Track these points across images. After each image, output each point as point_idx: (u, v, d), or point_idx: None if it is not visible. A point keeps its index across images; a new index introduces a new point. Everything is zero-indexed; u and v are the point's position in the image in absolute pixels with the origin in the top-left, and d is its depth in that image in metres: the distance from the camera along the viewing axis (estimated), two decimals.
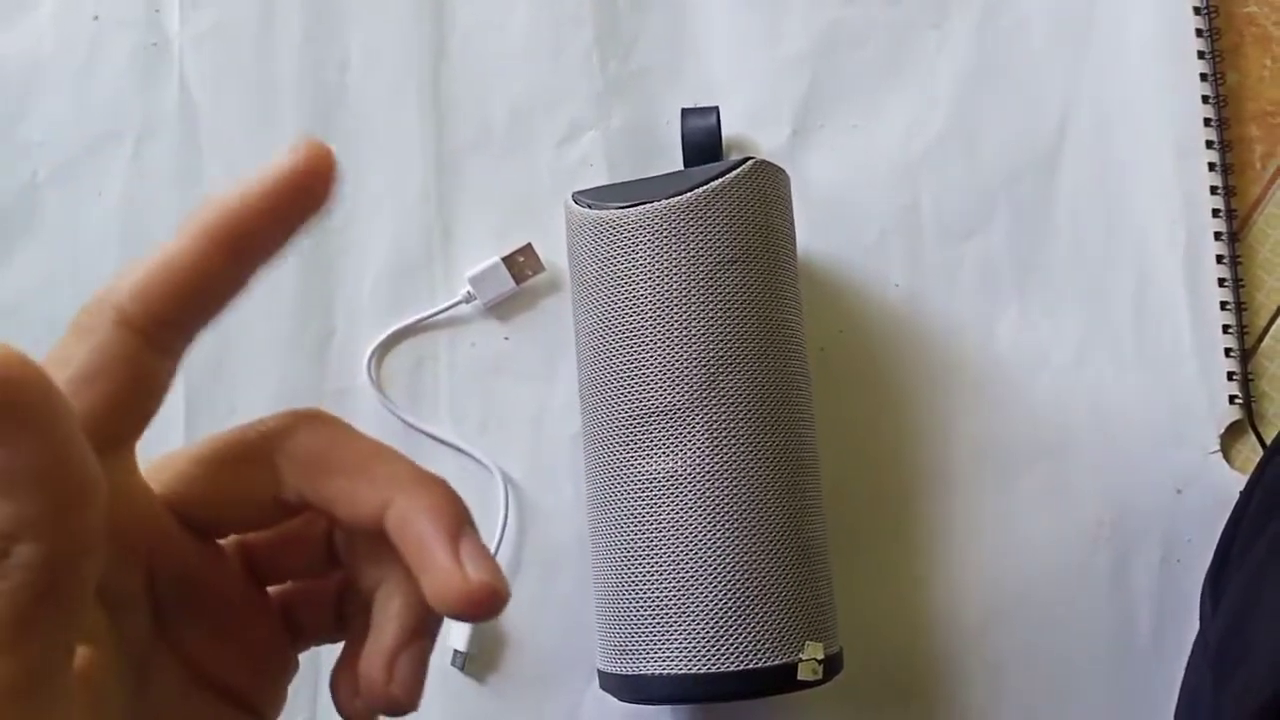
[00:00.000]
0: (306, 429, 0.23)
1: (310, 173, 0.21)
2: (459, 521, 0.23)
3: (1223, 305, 0.50)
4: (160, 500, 0.23)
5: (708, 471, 0.41)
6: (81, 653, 0.21)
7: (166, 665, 0.24)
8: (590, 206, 0.44)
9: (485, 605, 0.21)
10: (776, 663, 0.40)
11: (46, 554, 0.18)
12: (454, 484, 0.54)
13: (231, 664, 0.25)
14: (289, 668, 0.26)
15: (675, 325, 0.41)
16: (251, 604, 0.26)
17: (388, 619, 0.24)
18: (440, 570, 0.22)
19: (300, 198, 0.21)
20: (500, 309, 0.50)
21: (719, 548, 0.40)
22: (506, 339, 0.50)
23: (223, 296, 0.22)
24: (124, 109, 0.52)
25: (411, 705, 0.24)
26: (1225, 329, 0.50)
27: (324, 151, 0.21)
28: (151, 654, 0.24)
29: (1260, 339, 0.50)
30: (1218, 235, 0.50)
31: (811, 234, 0.49)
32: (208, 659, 0.25)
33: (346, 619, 0.26)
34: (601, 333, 0.43)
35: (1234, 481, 0.48)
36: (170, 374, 0.22)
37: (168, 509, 0.23)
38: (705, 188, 0.42)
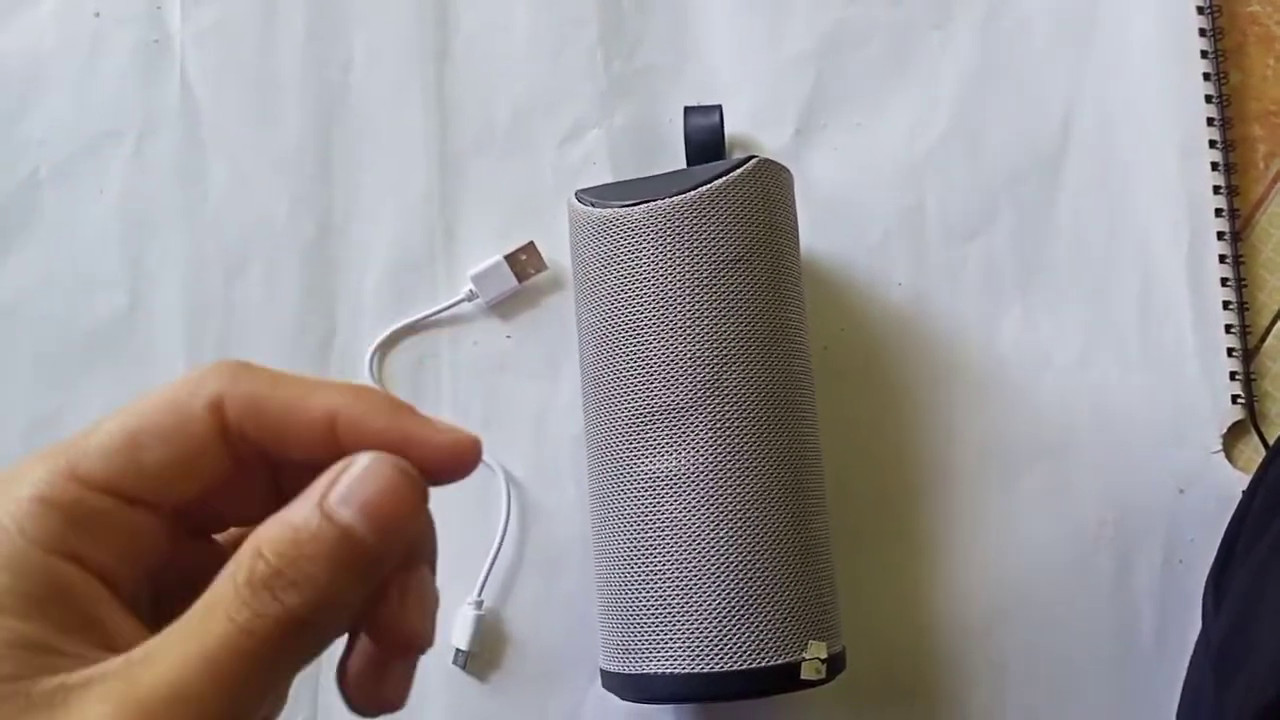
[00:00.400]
0: (242, 374, 0.23)
1: (450, 474, 0.23)
2: (406, 407, 0.23)
3: (1225, 305, 0.50)
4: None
5: (711, 470, 0.41)
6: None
7: None
8: (593, 205, 0.44)
9: (471, 457, 0.23)
10: (779, 662, 0.40)
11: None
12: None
13: None
14: None
15: (678, 323, 0.41)
16: None
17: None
18: (424, 433, 0.22)
19: (433, 472, 0.23)
20: (503, 307, 0.50)
21: (722, 546, 0.40)
22: (509, 337, 0.50)
23: (305, 454, 0.22)
24: (125, 106, 0.52)
25: (400, 706, 0.24)
26: (1228, 329, 0.50)
27: (479, 456, 0.23)
28: None
29: (1263, 339, 0.50)
30: (1220, 235, 0.50)
31: (815, 233, 0.49)
32: None
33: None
34: (604, 331, 0.43)
35: (1236, 481, 0.48)
36: (223, 471, 0.23)
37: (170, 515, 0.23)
38: (709, 186, 0.42)
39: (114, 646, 0.20)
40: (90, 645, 0.20)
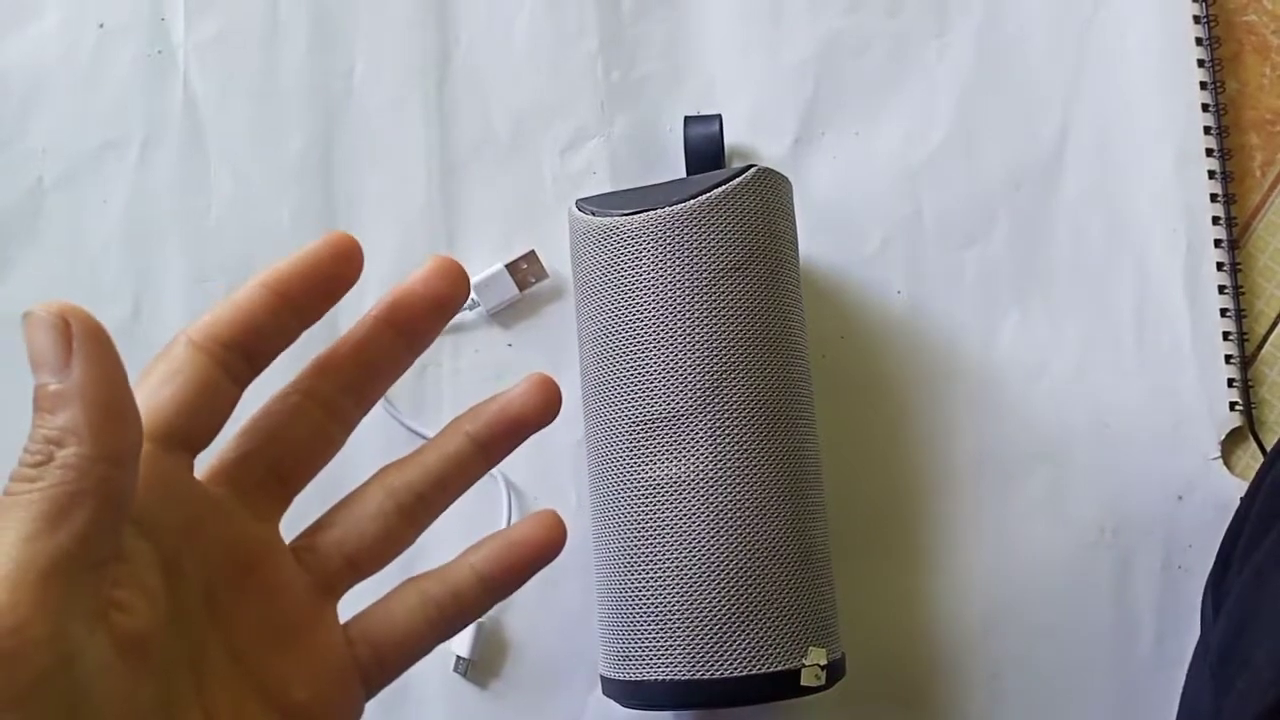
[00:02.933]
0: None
1: (343, 255, 0.28)
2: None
3: (1223, 312, 0.50)
4: (218, 496, 0.27)
5: (710, 477, 0.41)
6: (136, 607, 0.23)
7: (220, 660, 0.25)
8: (594, 213, 0.44)
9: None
10: (780, 668, 0.40)
11: (85, 457, 0.22)
12: None
13: (288, 672, 0.26)
14: (352, 697, 0.27)
15: (678, 332, 0.41)
16: (314, 610, 0.28)
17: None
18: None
19: (336, 269, 0.28)
20: (503, 316, 0.51)
21: (722, 553, 0.40)
22: (510, 346, 0.51)
23: (273, 330, 0.27)
24: (129, 116, 0.52)
25: None
26: (1225, 336, 0.50)
27: (352, 241, 0.29)
28: (204, 636, 0.25)
29: (1260, 346, 0.50)
30: (1218, 243, 0.50)
31: (813, 240, 0.50)
32: (262, 657, 0.26)
33: None
34: (604, 339, 0.43)
35: (1234, 488, 0.48)
36: (232, 394, 0.27)
37: (227, 502, 0.27)
38: (708, 195, 0.42)
39: None
40: None
